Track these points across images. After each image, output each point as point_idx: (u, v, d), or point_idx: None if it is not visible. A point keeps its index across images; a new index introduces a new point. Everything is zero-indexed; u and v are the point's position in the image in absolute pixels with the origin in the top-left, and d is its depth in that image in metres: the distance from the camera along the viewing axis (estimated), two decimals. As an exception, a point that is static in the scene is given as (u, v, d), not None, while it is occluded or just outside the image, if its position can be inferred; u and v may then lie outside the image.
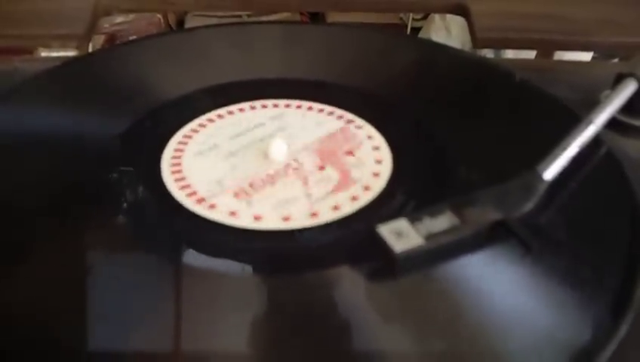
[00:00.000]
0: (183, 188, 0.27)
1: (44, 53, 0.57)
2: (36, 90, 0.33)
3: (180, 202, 0.26)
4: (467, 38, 0.44)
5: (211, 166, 0.28)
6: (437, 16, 1.00)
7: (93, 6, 0.42)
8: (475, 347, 0.21)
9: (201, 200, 0.26)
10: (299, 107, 0.32)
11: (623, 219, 0.25)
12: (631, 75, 0.30)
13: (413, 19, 1.12)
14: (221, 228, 0.25)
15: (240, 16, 1.08)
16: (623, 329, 0.21)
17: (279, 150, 0.28)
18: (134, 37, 1.03)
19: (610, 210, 0.26)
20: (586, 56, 0.62)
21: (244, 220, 0.25)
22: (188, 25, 1.15)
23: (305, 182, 0.27)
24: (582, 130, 0.27)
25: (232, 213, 0.25)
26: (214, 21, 1.02)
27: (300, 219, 0.25)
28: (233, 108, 0.32)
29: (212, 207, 0.25)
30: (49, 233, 0.25)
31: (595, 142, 0.28)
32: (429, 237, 0.23)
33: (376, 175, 0.27)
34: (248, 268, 0.24)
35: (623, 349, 0.21)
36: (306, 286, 0.23)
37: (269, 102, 0.32)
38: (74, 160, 0.29)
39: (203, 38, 0.39)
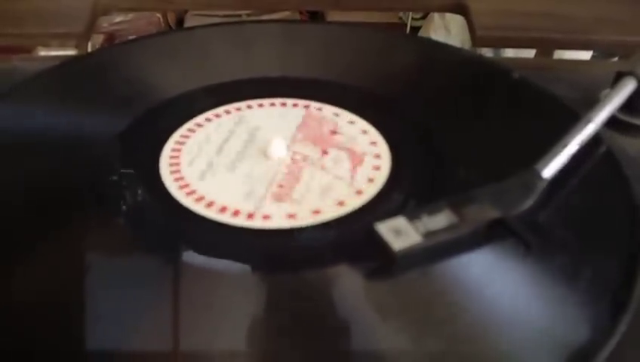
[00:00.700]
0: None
1: (42, 52, 0.57)
2: (35, 90, 0.33)
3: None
4: (466, 37, 0.44)
5: (224, 180, 0.27)
6: (436, 16, 0.99)
7: (92, 5, 0.42)
8: (473, 345, 0.21)
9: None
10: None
11: (622, 217, 0.25)
12: (630, 73, 0.30)
13: (413, 18, 1.12)
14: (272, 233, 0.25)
15: (239, 15, 1.08)
16: (622, 329, 0.21)
17: (279, 148, 0.28)
18: (133, 36, 1.03)
19: (608, 208, 0.26)
20: (585, 55, 0.62)
21: (304, 218, 0.25)
22: (187, 24, 1.15)
23: (323, 167, 0.27)
24: (581, 129, 0.27)
25: (290, 216, 0.25)
26: (214, 20, 1.03)
27: (350, 200, 0.26)
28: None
29: (266, 218, 0.25)
30: (47, 233, 0.25)
31: (595, 140, 0.28)
32: (428, 235, 0.23)
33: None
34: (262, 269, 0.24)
35: (621, 349, 0.21)
36: (305, 284, 0.23)
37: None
38: (72, 159, 0.29)
39: (202, 37, 0.39)
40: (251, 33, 0.39)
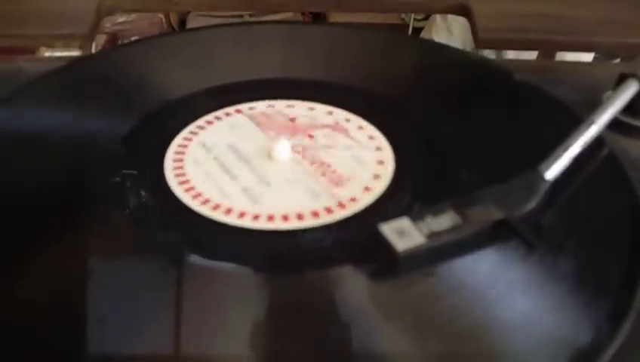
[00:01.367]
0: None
1: (47, 53, 0.57)
2: (39, 91, 0.33)
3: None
4: (468, 38, 0.44)
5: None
6: (438, 17, 1.00)
7: (96, 6, 0.43)
8: (476, 347, 0.21)
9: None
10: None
11: (624, 219, 0.25)
12: (633, 75, 0.30)
13: (415, 19, 1.12)
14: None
15: (242, 16, 1.08)
16: (625, 332, 0.21)
17: (284, 150, 0.28)
18: (136, 37, 1.03)
19: (611, 210, 0.26)
20: (587, 57, 0.62)
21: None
22: (190, 25, 1.15)
23: (329, 146, 0.29)
24: (584, 131, 0.27)
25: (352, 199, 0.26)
26: (217, 21, 1.03)
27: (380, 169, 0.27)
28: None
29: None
30: (53, 234, 0.25)
31: (597, 142, 0.28)
32: (432, 236, 0.23)
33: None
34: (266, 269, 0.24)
35: (623, 352, 0.21)
36: (308, 285, 0.23)
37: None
38: (77, 161, 0.29)
39: (208, 38, 0.39)
40: (257, 35, 0.39)
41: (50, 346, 0.21)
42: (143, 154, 0.29)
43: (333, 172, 0.27)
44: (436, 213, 0.23)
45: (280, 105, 0.32)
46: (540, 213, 0.25)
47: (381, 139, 0.30)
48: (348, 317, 0.22)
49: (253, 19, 1.06)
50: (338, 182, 0.27)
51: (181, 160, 0.28)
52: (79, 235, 0.25)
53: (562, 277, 0.23)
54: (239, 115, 0.31)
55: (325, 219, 0.25)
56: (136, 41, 0.48)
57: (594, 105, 0.29)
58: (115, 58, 0.38)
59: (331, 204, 0.26)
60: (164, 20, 1.13)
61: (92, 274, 0.23)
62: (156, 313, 0.22)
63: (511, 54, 0.78)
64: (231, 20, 1.04)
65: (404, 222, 0.23)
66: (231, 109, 0.32)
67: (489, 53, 0.76)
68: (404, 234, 0.23)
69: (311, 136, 0.29)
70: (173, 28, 1.15)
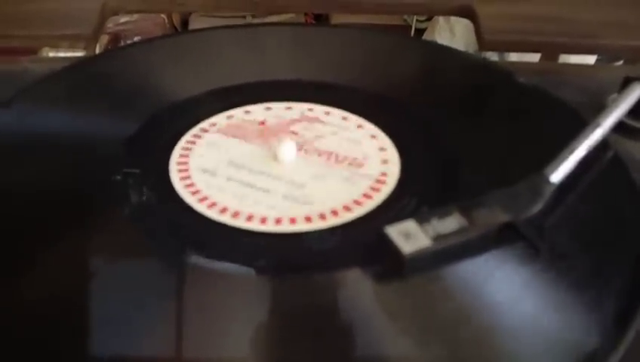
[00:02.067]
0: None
1: (51, 54, 0.57)
2: (44, 92, 0.33)
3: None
4: (471, 39, 0.44)
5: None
6: (441, 18, 0.99)
7: (101, 6, 0.43)
8: (481, 349, 0.21)
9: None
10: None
11: (630, 222, 0.25)
12: (638, 78, 0.30)
13: (418, 20, 1.12)
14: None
15: (244, 17, 1.08)
16: (630, 336, 0.21)
17: (289, 151, 0.28)
18: (138, 37, 1.03)
19: (616, 213, 0.26)
20: (590, 59, 0.62)
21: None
22: (192, 25, 1.15)
23: (323, 136, 0.29)
24: (589, 133, 0.27)
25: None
26: (218, 21, 1.03)
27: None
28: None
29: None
30: (56, 236, 0.25)
31: (602, 145, 0.28)
32: (437, 238, 0.23)
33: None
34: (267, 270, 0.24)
35: (629, 356, 0.21)
36: (313, 287, 0.23)
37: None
38: (81, 162, 0.29)
39: (214, 39, 0.39)
40: (262, 36, 0.39)
41: (50, 347, 0.21)
42: (148, 156, 0.29)
43: (345, 156, 0.28)
44: (442, 215, 0.23)
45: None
46: (545, 215, 0.25)
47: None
48: (352, 320, 0.22)
49: (256, 20, 1.06)
50: (356, 163, 0.27)
51: (197, 191, 0.27)
52: (79, 235, 0.25)
53: (568, 280, 0.23)
54: (208, 134, 0.30)
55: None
56: (143, 40, 0.48)
57: (598, 107, 0.29)
58: (123, 58, 0.37)
59: (369, 184, 0.26)
60: (166, 21, 1.13)
61: (97, 276, 0.23)
62: (164, 316, 0.22)
63: (514, 56, 0.78)
64: (233, 21, 1.04)
65: (409, 225, 0.23)
66: (196, 129, 0.30)
67: (491, 55, 0.76)
68: (409, 236, 0.23)
69: (294, 133, 0.29)
70: (175, 28, 1.15)
